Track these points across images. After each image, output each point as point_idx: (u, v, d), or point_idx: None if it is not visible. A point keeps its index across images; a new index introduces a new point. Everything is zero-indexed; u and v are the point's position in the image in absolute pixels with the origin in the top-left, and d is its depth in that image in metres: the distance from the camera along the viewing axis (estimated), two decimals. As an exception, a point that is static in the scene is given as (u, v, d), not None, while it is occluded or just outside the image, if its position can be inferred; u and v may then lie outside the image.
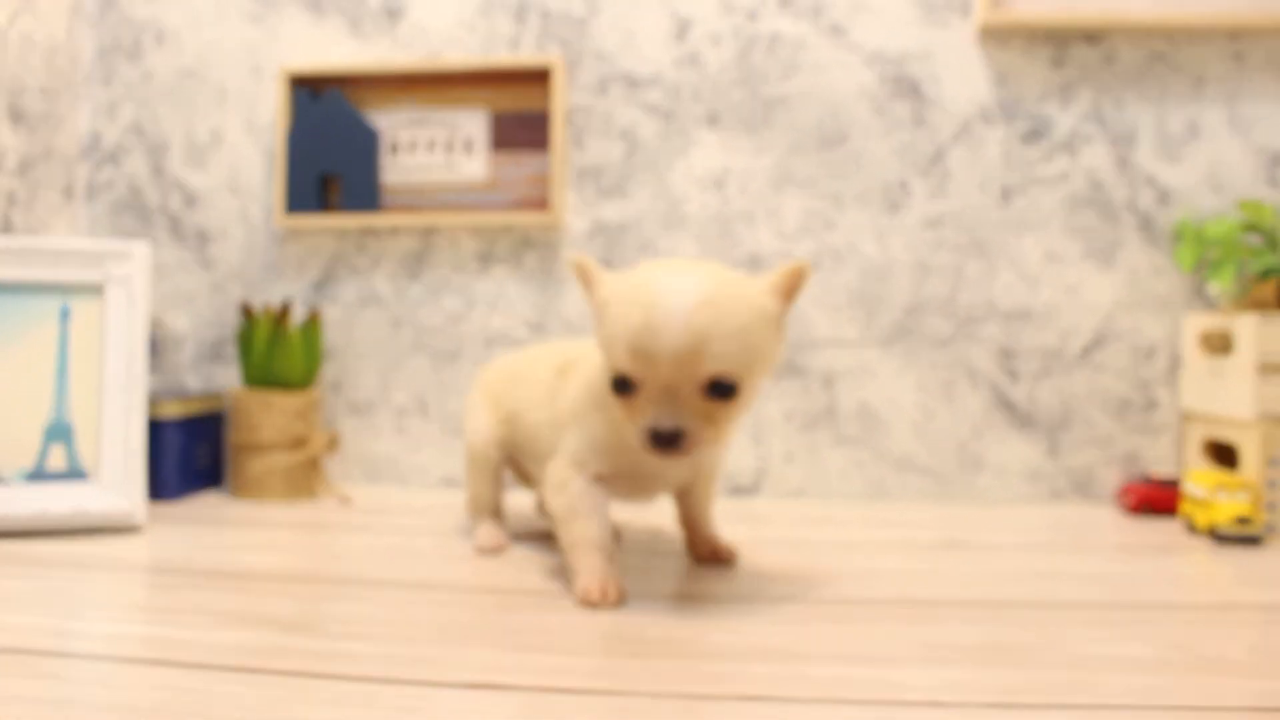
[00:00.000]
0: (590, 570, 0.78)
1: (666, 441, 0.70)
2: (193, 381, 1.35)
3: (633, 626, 0.72)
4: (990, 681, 0.61)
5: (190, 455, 1.22)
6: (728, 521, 1.07)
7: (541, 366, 0.94)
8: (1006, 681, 0.61)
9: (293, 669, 0.62)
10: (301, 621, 0.73)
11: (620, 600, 0.77)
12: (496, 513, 1.00)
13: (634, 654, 0.66)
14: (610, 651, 0.67)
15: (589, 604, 0.76)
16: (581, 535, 0.80)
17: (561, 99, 1.25)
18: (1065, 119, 1.24)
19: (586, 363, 0.86)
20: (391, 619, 0.74)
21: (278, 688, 0.59)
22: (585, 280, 0.78)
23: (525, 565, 0.90)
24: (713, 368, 0.69)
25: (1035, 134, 1.24)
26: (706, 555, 0.92)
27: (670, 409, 0.70)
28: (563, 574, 0.87)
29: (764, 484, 1.26)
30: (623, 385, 0.72)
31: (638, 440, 0.72)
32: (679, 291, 0.69)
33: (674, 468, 0.82)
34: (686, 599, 0.80)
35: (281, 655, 0.65)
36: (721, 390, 0.70)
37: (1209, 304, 1.22)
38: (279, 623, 0.72)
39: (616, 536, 1.01)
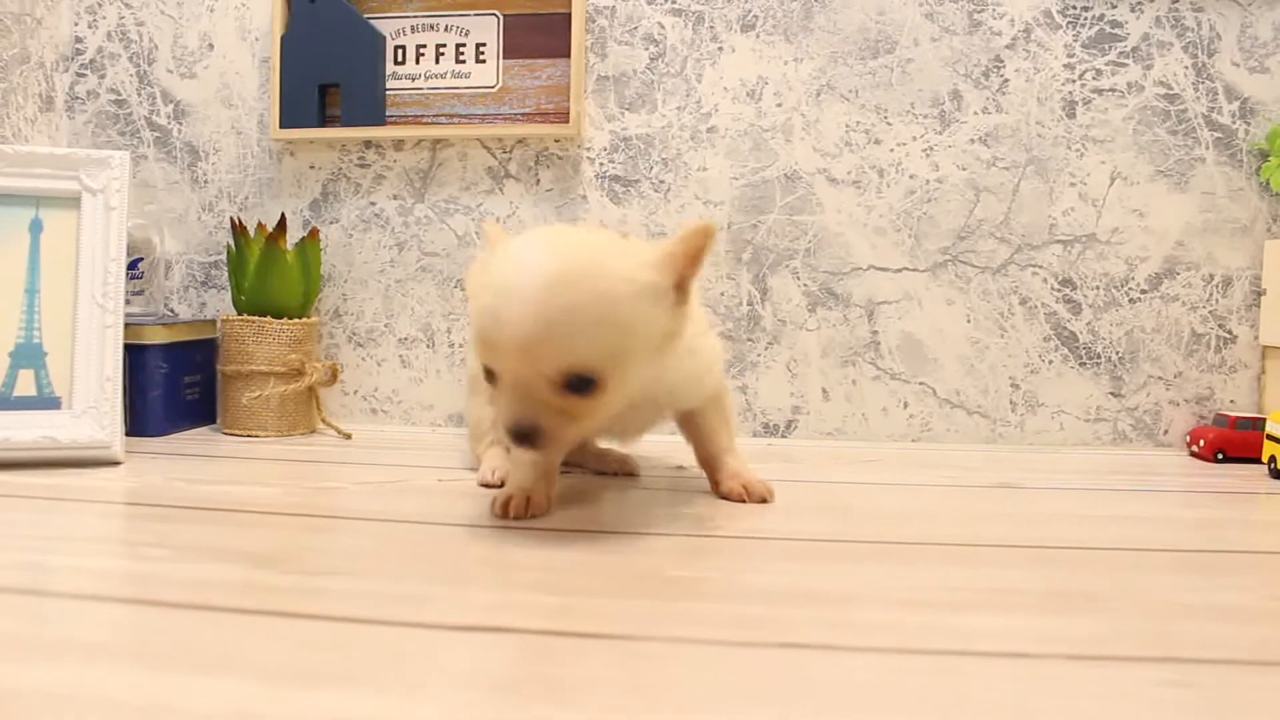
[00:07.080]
0: (514, 483, 0.76)
1: (524, 439, 0.64)
2: (183, 309, 1.26)
3: (650, 566, 0.63)
4: (1071, 631, 0.51)
5: (177, 388, 1.13)
6: (757, 461, 0.98)
7: None
8: (1090, 631, 0.51)
9: (261, 607, 0.54)
10: (277, 556, 0.65)
11: (524, 516, 0.74)
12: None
13: (652, 595, 0.57)
14: (624, 592, 0.58)
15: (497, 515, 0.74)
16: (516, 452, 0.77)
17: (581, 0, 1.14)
18: (1137, 23, 1.11)
19: None
20: (378, 554, 0.66)
21: (240, 627, 0.51)
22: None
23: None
24: (566, 361, 0.62)
25: (1103, 39, 1.12)
26: (735, 493, 0.82)
27: (524, 406, 0.63)
28: (569, 505, 0.79)
29: (799, 423, 1.16)
30: (489, 374, 0.66)
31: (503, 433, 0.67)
32: (529, 272, 0.61)
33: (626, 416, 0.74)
34: (711, 538, 0.70)
35: (250, 592, 0.57)
36: (580, 386, 0.63)
37: (1295, 228, 1.11)
38: (252, 558, 0.64)
39: (628, 469, 0.93)
